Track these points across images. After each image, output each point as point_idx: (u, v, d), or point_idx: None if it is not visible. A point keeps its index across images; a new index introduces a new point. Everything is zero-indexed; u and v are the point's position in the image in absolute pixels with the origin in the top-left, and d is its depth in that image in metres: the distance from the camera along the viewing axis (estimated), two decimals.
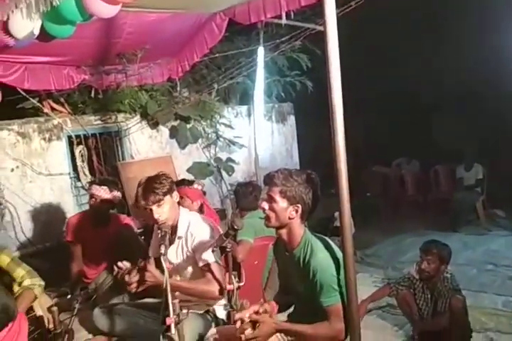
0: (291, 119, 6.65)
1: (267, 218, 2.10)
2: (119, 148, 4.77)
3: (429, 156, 6.90)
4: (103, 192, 3.23)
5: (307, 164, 5.49)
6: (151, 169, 3.60)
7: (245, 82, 5.65)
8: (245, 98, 5.96)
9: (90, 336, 2.81)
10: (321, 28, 4.01)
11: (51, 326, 2.25)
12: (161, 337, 2.41)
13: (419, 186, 6.93)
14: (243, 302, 2.22)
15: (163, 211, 2.54)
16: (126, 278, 2.45)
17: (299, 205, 2.05)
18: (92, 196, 3.25)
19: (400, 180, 7.09)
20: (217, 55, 5.14)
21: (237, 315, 2.09)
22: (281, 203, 2.05)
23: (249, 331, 1.99)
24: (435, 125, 7.32)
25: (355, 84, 3.72)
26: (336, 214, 3.42)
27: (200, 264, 2.56)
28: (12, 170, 3.88)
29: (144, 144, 4.93)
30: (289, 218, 2.07)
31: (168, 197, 2.57)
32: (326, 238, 2.16)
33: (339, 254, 2.02)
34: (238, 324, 2.10)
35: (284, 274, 2.32)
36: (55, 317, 2.25)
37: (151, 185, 2.54)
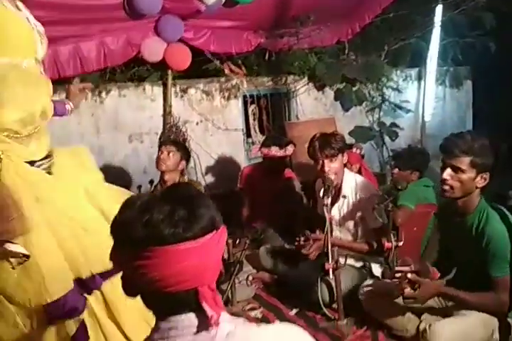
0: (468, 84, 6.17)
1: (450, 188, 2.04)
2: (287, 108, 5.03)
3: None
4: (275, 151, 3.52)
5: (483, 135, 5.12)
6: (314, 130, 3.75)
7: (418, 44, 5.40)
8: (416, 60, 5.70)
9: (254, 271, 3.17)
10: None
11: (225, 256, 2.60)
12: (319, 280, 2.64)
13: None
14: (406, 259, 2.28)
15: (333, 166, 2.70)
16: (304, 251, 2.66)
17: (488, 173, 1.98)
18: (265, 153, 3.56)
19: None
20: (390, 14, 4.99)
21: (399, 268, 2.13)
22: (469, 173, 1.99)
23: (409, 290, 2.03)
24: None
25: None
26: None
27: (372, 226, 2.68)
28: (197, 123, 4.41)
29: (310, 106, 5.11)
30: (476, 187, 2.01)
31: (340, 155, 2.72)
32: (504, 209, 2.07)
33: None
34: (397, 275, 2.15)
35: (448, 241, 2.30)
36: (229, 249, 2.60)
37: (328, 140, 2.70)
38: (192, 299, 0.94)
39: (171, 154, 3.17)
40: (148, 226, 0.91)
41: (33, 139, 1.79)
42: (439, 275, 2.29)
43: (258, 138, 4.77)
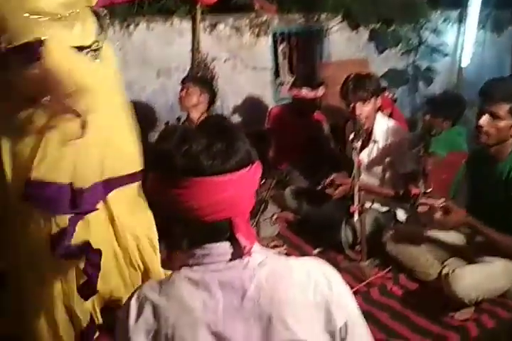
0: (510, 30, 5.82)
1: (485, 135, 2.02)
2: (318, 48, 4.84)
3: None
4: (306, 92, 3.43)
5: None
6: (346, 71, 3.63)
7: None
8: (458, 1, 5.37)
9: (279, 211, 3.21)
10: None
11: None
12: (343, 222, 2.67)
13: None
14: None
15: (365, 109, 2.63)
16: (329, 191, 2.67)
17: None
18: (295, 94, 3.47)
19: None
20: None
21: (429, 200, 2.14)
22: (507, 120, 1.95)
23: (439, 215, 2.06)
24: None
25: None
26: None
27: (401, 171, 2.65)
28: (225, 61, 4.28)
29: (342, 46, 4.90)
30: (511, 135, 1.98)
31: (373, 98, 2.64)
32: None
33: None
34: (425, 208, 2.16)
35: (477, 189, 2.30)
36: None
37: (363, 81, 2.62)
38: (226, 229, 0.98)
39: (195, 92, 3.12)
40: (187, 157, 0.93)
41: (78, 24, 1.72)
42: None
43: (287, 78, 4.63)
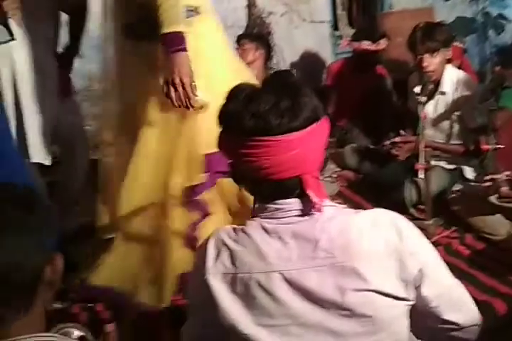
0: None
1: None
2: None
3: None
4: (367, 45, 3.28)
5: None
6: (410, 21, 3.43)
7: None
8: None
9: (339, 170, 3.16)
10: None
11: None
12: (407, 181, 2.59)
13: None
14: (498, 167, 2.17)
15: (433, 61, 2.49)
16: (393, 151, 2.59)
17: None
18: (356, 47, 3.33)
19: None
20: None
21: (495, 176, 2.07)
22: None
23: (505, 189, 1.97)
24: None
25: None
26: None
27: (471, 126, 2.53)
28: (281, 15, 4.14)
29: None
30: None
31: (443, 49, 2.49)
32: None
33: None
34: (487, 184, 2.09)
35: None
36: None
37: (432, 31, 2.48)
38: (297, 186, 0.98)
39: (251, 48, 3.07)
40: (255, 117, 0.93)
41: None
42: None
43: (346, 31, 4.43)
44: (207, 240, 1.03)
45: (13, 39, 2.06)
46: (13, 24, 2.10)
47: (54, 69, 2.33)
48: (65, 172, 2.52)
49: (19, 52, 2.12)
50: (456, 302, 1.04)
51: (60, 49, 2.50)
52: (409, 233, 1.01)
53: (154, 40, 1.76)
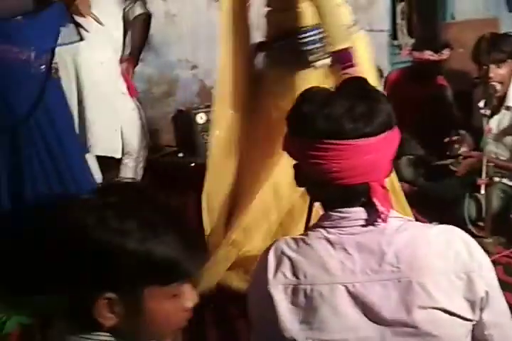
0: None
1: None
2: (441, 7, 4.47)
3: None
4: (429, 55, 3.21)
5: None
6: (473, 32, 3.35)
7: None
8: None
9: None
10: None
11: None
12: (467, 196, 2.50)
13: None
14: None
15: (499, 72, 2.41)
16: (452, 167, 2.56)
17: None
18: (417, 57, 3.26)
19: None
20: None
21: None
22: None
23: None
24: None
25: None
26: None
27: None
28: None
29: (468, 3, 4.49)
30: None
31: (510, 60, 2.41)
32: None
33: None
34: None
35: None
36: None
37: (498, 41, 2.40)
38: (364, 194, 0.96)
39: None
40: (329, 120, 0.92)
41: None
42: None
43: (405, 40, 4.36)
44: (266, 251, 1.01)
45: (81, 40, 2.14)
46: (84, 23, 2.18)
47: (118, 68, 2.40)
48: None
49: (86, 50, 2.20)
50: (509, 336, 0.98)
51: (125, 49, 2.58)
52: (479, 253, 0.97)
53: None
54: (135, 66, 2.64)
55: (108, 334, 0.76)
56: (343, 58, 1.80)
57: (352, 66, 1.78)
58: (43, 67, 1.90)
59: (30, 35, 1.87)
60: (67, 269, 0.74)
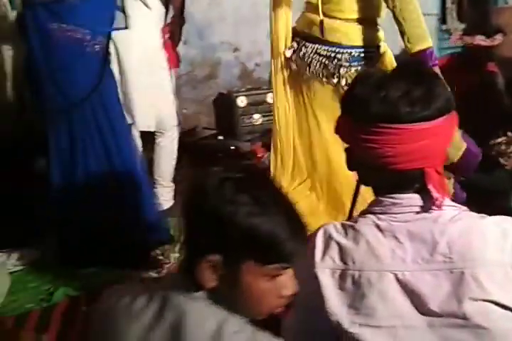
0: None
1: None
2: None
3: None
4: (481, 40, 3.09)
5: None
6: None
7: None
8: None
9: None
10: None
11: None
12: None
13: None
14: None
15: None
16: (502, 160, 2.50)
17: None
18: (468, 42, 3.15)
19: None
20: None
21: None
22: None
23: None
24: None
25: None
26: None
27: None
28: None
29: None
30: None
31: None
32: None
33: None
34: None
35: None
36: None
37: None
38: (418, 179, 0.94)
39: None
40: (384, 103, 0.90)
41: None
42: None
43: (454, 25, 4.21)
44: (314, 234, 1.00)
45: (126, 28, 2.15)
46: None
47: (160, 41, 2.43)
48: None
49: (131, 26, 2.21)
50: None
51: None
52: None
53: None
54: (182, 26, 2.62)
55: (206, 296, 0.79)
56: (427, 57, 1.86)
57: (434, 65, 1.83)
58: (98, 47, 1.93)
59: (85, 16, 1.89)
60: (186, 229, 0.82)
